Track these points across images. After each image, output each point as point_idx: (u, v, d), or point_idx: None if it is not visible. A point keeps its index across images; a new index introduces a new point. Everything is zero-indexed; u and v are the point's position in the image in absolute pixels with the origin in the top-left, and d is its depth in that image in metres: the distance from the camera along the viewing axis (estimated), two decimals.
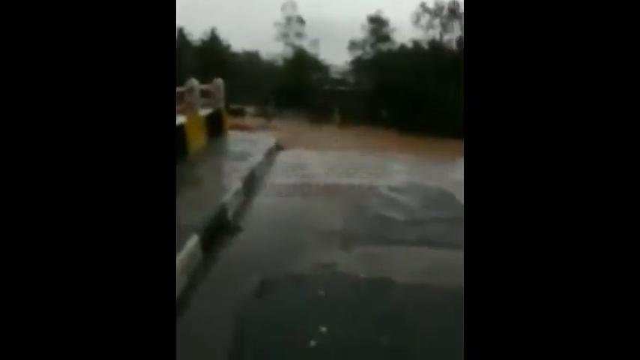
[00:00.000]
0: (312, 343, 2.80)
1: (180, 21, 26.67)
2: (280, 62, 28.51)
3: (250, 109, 22.02)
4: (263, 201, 6.01)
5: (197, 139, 8.11)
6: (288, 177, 7.52)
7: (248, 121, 17.09)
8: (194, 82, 8.47)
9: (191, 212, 4.63)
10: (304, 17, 27.95)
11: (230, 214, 5.07)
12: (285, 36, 28.25)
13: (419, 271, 3.90)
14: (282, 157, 9.24)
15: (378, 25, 26.43)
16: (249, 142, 9.56)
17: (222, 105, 10.18)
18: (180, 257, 3.45)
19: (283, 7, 27.60)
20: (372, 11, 26.48)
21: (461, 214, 5.66)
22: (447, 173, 7.96)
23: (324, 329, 2.93)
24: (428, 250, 4.47)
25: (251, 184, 6.44)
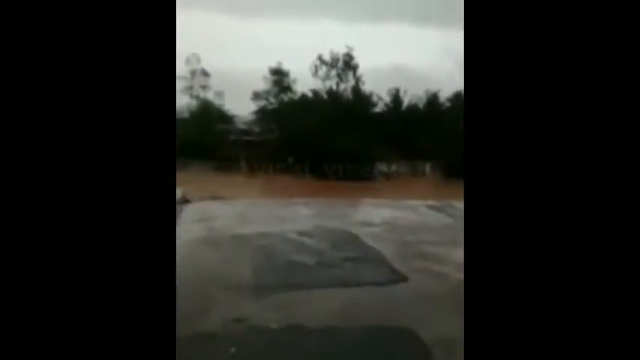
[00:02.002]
0: None
1: None
2: (186, 114, 28.02)
3: None
4: None
5: None
6: (195, 230, 7.22)
7: None
8: None
9: None
10: (208, 69, 28.02)
11: None
12: (189, 88, 28.02)
13: (331, 313, 3.89)
14: (189, 210, 8.89)
15: (279, 76, 27.34)
16: None
17: None
18: None
19: (187, 61, 27.47)
20: (273, 63, 27.34)
21: (366, 253, 5.84)
22: (351, 214, 8.21)
23: None
24: (339, 290, 4.50)
25: None
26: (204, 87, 28.39)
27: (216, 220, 8.02)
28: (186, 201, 9.51)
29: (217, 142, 25.27)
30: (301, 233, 6.85)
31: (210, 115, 27.44)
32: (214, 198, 10.63)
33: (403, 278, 4.86)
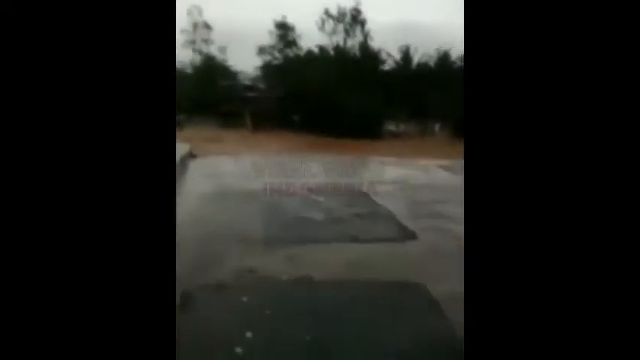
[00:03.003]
0: (239, 350, 2.70)
1: None
2: (189, 69, 27.55)
3: None
4: (179, 210, 5.71)
5: None
6: (204, 185, 7.25)
7: None
8: None
9: None
10: (211, 22, 27.30)
11: None
12: (191, 42, 27.39)
13: (339, 267, 3.94)
14: (196, 165, 8.90)
15: (284, 30, 26.59)
16: None
17: None
18: None
19: (189, 12, 26.73)
20: (278, 16, 26.55)
21: (375, 210, 5.84)
22: (359, 172, 8.19)
23: (249, 335, 2.84)
24: (347, 245, 4.54)
25: None
26: (206, 41, 27.70)
27: (223, 175, 8.03)
28: (192, 156, 9.50)
29: (221, 98, 24.98)
30: (309, 189, 6.85)
31: (213, 70, 26.97)
32: (219, 154, 10.61)
33: (412, 235, 4.89)
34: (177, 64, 28.91)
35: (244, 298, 3.29)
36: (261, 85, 27.30)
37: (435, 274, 3.78)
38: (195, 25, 27.08)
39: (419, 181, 8.05)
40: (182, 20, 26.64)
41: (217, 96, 24.89)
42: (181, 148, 9.75)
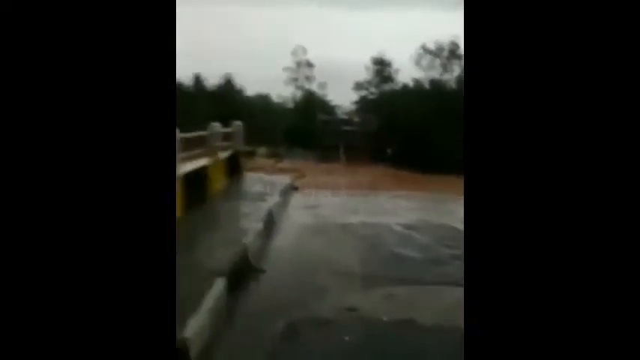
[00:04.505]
0: None
1: (197, 68, 27.35)
2: (290, 104, 29.02)
3: (261, 150, 22.20)
4: (281, 242, 5.93)
5: (218, 181, 8.19)
6: (304, 217, 7.46)
7: (260, 162, 17.18)
8: (216, 126, 8.58)
9: (215, 254, 4.58)
10: (313, 61, 28.63)
11: (251, 255, 5.00)
12: (294, 80, 28.90)
13: (442, 311, 3.77)
14: (296, 198, 9.21)
15: (381, 66, 26.94)
16: (264, 183, 9.58)
17: (241, 147, 10.27)
18: (208, 302, 3.39)
19: (294, 52, 28.34)
20: (375, 53, 27.03)
21: None
22: (456, 210, 7.86)
23: None
24: (448, 289, 4.35)
25: (269, 225, 6.39)
26: (308, 78, 29.12)
27: (320, 207, 8.20)
28: (294, 188, 9.85)
29: (318, 132, 25.81)
30: (406, 226, 6.72)
31: (312, 105, 28.12)
32: (317, 187, 10.89)
33: None
34: (279, 99, 30.61)
35: (346, 337, 3.28)
36: (357, 119, 27.75)
37: None
38: (298, 64, 28.58)
39: None
40: (287, 59, 28.29)
41: (315, 129, 25.75)
42: (283, 180, 10.19)
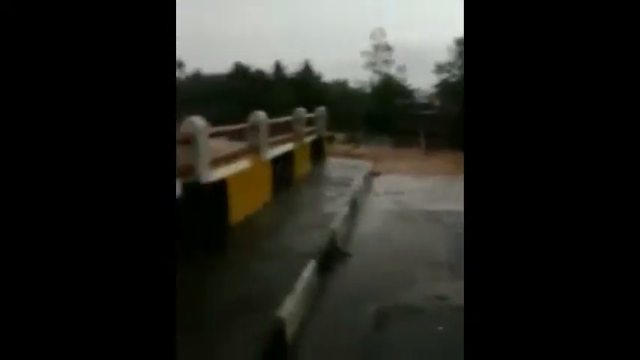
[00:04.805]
0: None
1: (277, 55, 27.99)
2: (368, 89, 28.71)
3: (339, 136, 22.26)
4: (366, 227, 5.94)
5: (303, 166, 8.37)
6: (386, 203, 7.40)
7: (337, 147, 17.25)
8: (301, 111, 8.75)
9: (302, 237, 4.71)
10: (391, 44, 27.99)
11: (338, 239, 5.06)
12: (373, 64, 28.49)
13: None
14: (379, 183, 9.15)
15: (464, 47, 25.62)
16: (346, 168, 9.62)
17: (324, 132, 10.39)
18: (301, 283, 3.50)
19: (372, 35, 27.90)
20: (458, 34, 25.74)
21: None
22: None
23: None
24: None
25: (354, 210, 6.43)
26: (386, 61, 28.54)
27: (403, 194, 8.08)
28: (375, 174, 9.79)
29: (397, 117, 25.31)
30: None
31: (391, 89, 27.58)
32: (397, 172, 10.71)
33: None
34: (357, 84, 30.36)
35: (440, 327, 3.22)
36: (437, 103, 26.76)
37: None
38: (376, 47, 28.13)
39: None
40: (364, 43, 27.94)
41: (393, 114, 25.30)
42: (363, 165, 10.16)
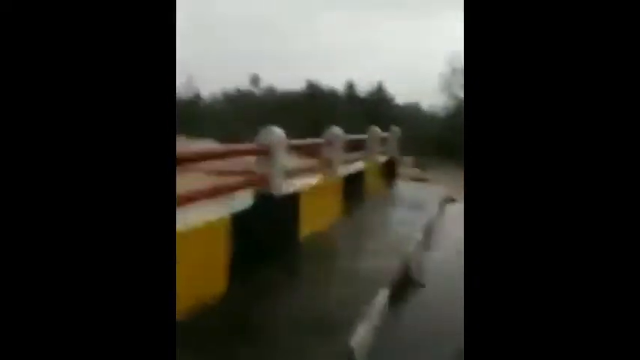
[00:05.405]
0: None
1: (351, 76, 28.28)
2: (442, 114, 28.02)
3: (407, 159, 21.85)
4: (441, 255, 5.53)
5: (374, 185, 8.10)
6: (460, 231, 6.91)
7: (404, 170, 16.88)
8: (376, 130, 8.53)
9: (373, 261, 4.44)
10: None
11: (412, 267, 4.71)
12: (448, 87, 27.85)
13: None
14: (452, 209, 8.65)
15: None
16: (419, 191, 9.28)
17: (395, 153, 10.08)
18: (371, 313, 3.22)
19: (450, 61, 27.36)
20: None
21: None
22: None
23: None
24: None
25: (428, 235, 6.06)
26: (462, 86, 27.76)
27: None
28: (452, 200, 9.36)
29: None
30: None
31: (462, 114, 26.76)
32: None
33: None
34: (431, 108, 29.76)
35: None
36: None
37: None
38: (453, 71, 27.50)
39: None
40: (440, 65, 27.47)
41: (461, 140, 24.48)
42: (437, 190, 9.74)
